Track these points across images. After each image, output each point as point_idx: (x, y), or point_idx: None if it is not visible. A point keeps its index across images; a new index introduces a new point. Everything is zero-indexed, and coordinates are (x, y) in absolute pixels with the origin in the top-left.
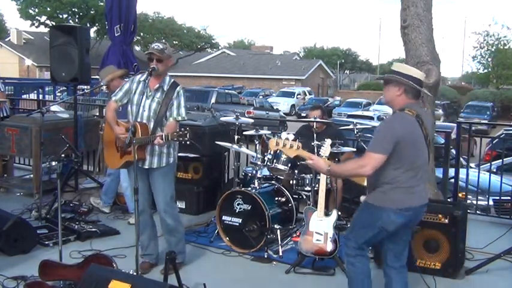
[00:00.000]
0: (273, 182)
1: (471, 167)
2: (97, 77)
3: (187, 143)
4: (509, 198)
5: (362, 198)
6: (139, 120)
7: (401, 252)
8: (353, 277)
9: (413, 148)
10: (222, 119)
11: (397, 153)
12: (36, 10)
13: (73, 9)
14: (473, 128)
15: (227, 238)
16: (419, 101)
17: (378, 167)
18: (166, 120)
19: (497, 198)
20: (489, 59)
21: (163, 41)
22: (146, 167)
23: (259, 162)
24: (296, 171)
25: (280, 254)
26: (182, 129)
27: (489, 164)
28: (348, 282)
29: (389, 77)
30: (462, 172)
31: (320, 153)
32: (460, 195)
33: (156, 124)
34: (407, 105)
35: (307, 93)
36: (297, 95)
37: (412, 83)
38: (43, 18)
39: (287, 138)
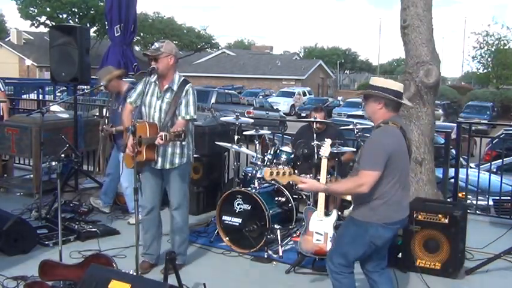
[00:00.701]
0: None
1: (471, 167)
2: (97, 77)
3: (183, 143)
4: (509, 198)
5: (346, 212)
6: (150, 121)
7: (383, 258)
8: None
9: (401, 160)
10: (222, 119)
11: (388, 167)
12: (36, 10)
13: (73, 9)
14: (473, 128)
15: (227, 238)
16: (399, 113)
17: (374, 184)
18: (176, 119)
19: (497, 198)
20: (489, 59)
21: (162, 39)
22: (158, 167)
23: (259, 162)
24: (296, 171)
25: (280, 254)
26: (179, 129)
27: (489, 164)
28: None
29: (368, 92)
30: (462, 172)
31: (320, 153)
32: (460, 195)
33: (165, 125)
34: (390, 118)
35: (306, 93)
36: (297, 95)
37: (390, 96)
38: (43, 18)
39: (280, 166)
